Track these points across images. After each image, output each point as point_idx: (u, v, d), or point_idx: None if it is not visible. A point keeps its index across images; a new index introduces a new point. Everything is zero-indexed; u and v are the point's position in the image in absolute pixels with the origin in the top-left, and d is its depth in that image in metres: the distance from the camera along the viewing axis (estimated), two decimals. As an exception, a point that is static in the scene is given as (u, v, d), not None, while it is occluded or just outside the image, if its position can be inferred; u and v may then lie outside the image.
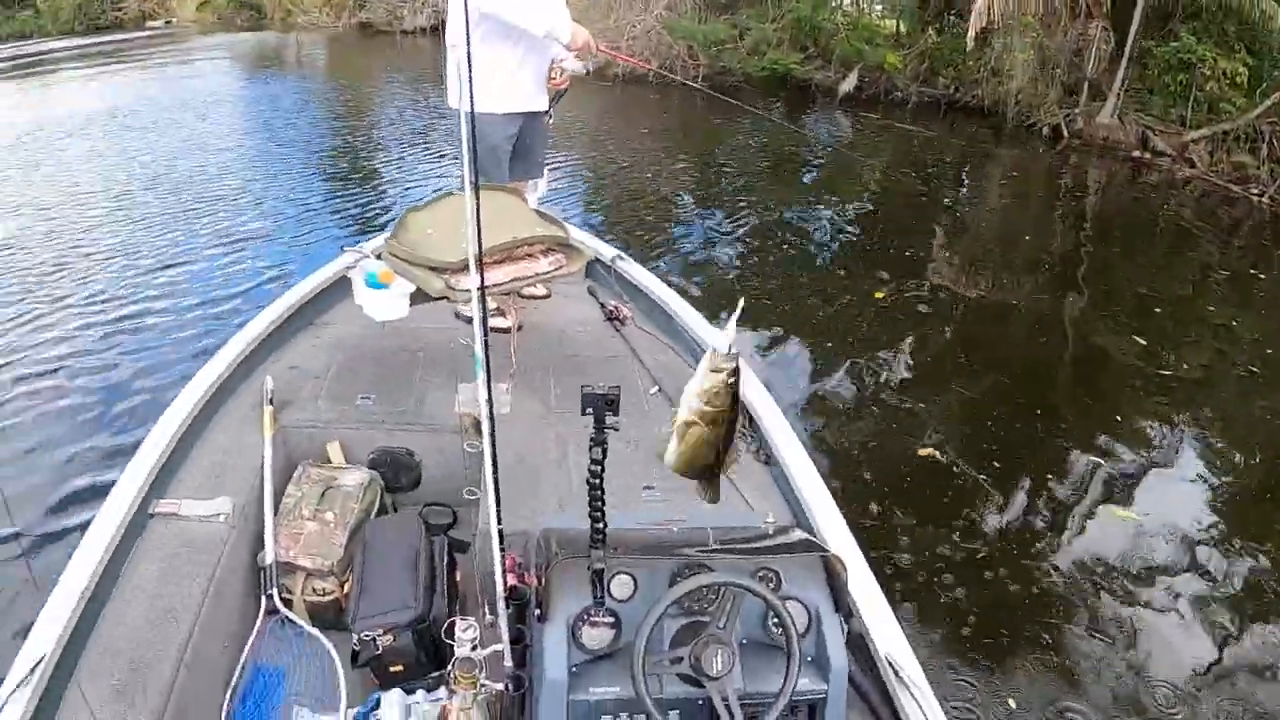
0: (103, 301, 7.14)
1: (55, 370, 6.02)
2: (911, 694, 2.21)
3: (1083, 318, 7.42)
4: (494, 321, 3.78)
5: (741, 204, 10.33)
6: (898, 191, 11.58)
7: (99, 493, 2.87)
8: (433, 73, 4.44)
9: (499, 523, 2.14)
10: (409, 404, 3.53)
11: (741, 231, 9.20)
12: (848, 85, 16.11)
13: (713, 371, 1.83)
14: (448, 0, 4.18)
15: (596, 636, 2.03)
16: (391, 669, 2.55)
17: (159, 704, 2.21)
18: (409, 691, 2.39)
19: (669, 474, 3.09)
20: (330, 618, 2.85)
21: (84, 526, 2.65)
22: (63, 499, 4.60)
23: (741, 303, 1.79)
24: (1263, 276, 8.48)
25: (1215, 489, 5.02)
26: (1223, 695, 3.61)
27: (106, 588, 2.48)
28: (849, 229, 9.67)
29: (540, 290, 4.48)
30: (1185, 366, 6.26)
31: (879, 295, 7.40)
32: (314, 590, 2.87)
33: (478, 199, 2.29)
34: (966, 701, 3.50)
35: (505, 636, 2.10)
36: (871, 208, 10.77)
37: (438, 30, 20.26)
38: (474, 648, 2.06)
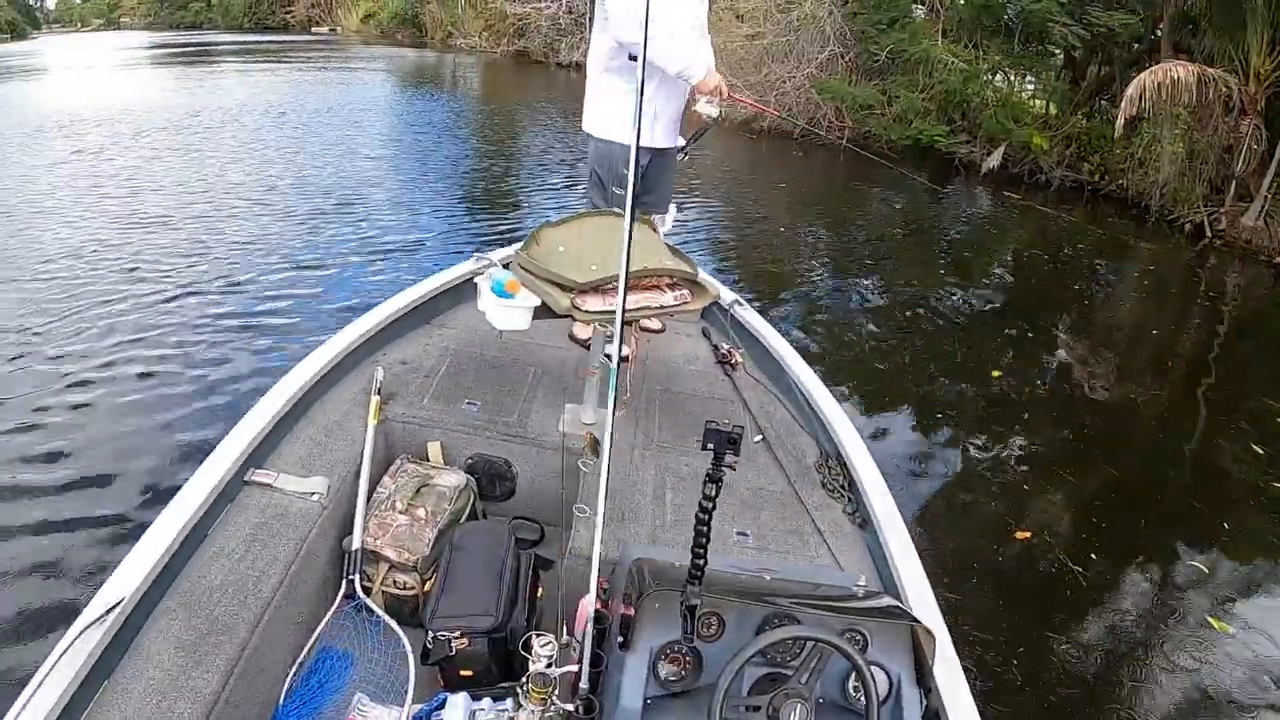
0: (228, 288, 7.68)
1: (173, 348, 6.49)
2: None
3: (1202, 423, 7.23)
4: (608, 348, 3.82)
5: (869, 266, 10.33)
6: (1030, 273, 11.43)
7: (199, 458, 2.91)
8: (581, 106, 4.61)
9: (600, 545, 2.17)
10: (513, 416, 3.56)
11: (864, 293, 9.22)
12: (992, 162, 15.94)
13: None
14: (593, 25, 4.31)
15: (676, 672, 2.03)
16: (461, 672, 2.58)
17: (225, 666, 2.25)
18: (475, 698, 2.41)
19: (762, 522, 3.17)
20: (406, 612, 2.89)
21: (180, 484, 2.70)
22: (166, 463, 4.98)
23: None
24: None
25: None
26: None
27: (192, 546, 2.54)
28: (976, 305, 9.58)
29: (656, 324, 4.54)
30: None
31: (996, 374, 7.35)
32: (394, 583, 2.91)
33: (631, 229, 2.34)
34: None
35: (586, 658, 2.08)
36: (1002, 287, 10.66)
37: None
38: (549, 664, 2.10)
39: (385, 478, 3.19)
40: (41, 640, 3.63)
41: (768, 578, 2.24)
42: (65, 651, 2.02)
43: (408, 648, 2.68)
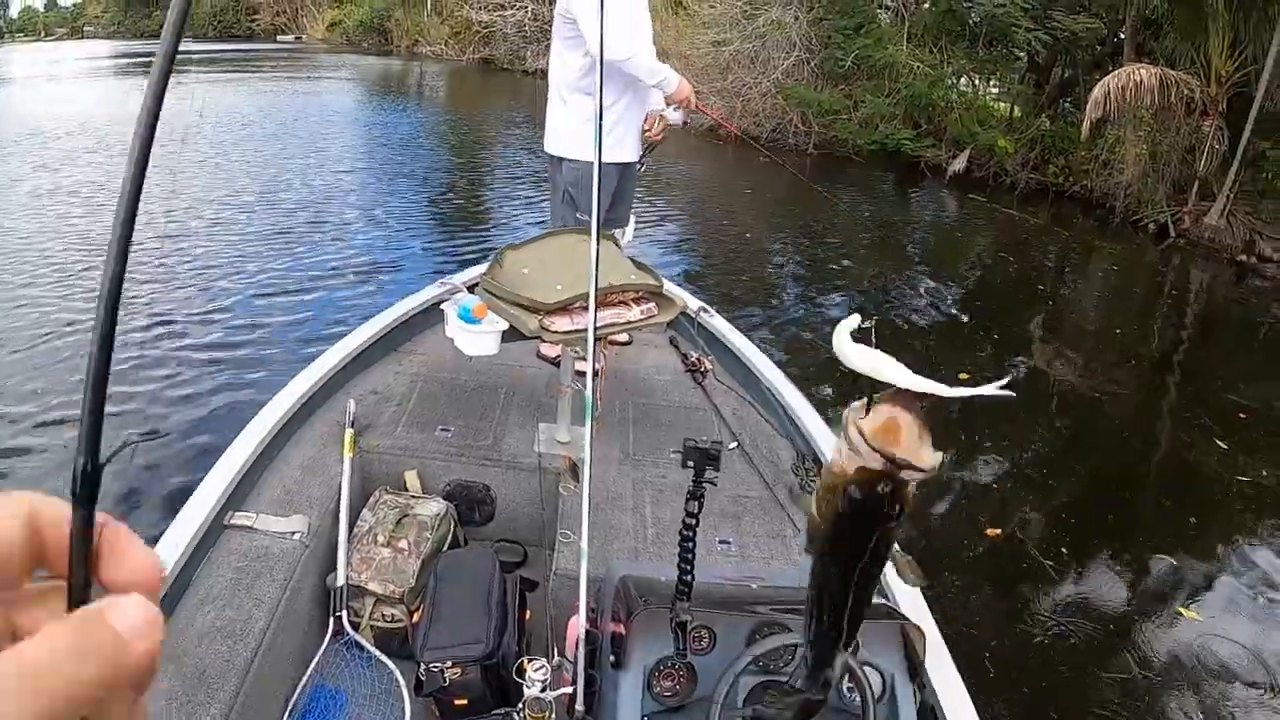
0: (194, 317, 7.45)
1: (136, 384, 6.17)
2: None
3: (1168, 418, 7.35)
4: (579, 365, 3.72)
5: (836, 270, 10.42)
6: (996, 275, 11.57)
7: (176, 502, 2.86)
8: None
9: (588, 566, 2.19)
10: (488, 440, 3.56)
11: (832, 298, 9.30)
12: (958, 165, 16.09)
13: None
14: (557, 43, 4.28)
15: (671, 688, 2.03)
16: (456, 702, 2.56)
17: (220, 715, 2.22)
18: (471, 726, 2.36)
19: (744, 529, 3.17)
20: (395, 645, 2.88)
21: (160, 533, 2.64)
22: (143, 510, 4.68)
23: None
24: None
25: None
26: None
27: (176, 595, 2.50)
28: (943, 307, 9.66)
29: (622, 337, 4.48)
30: (1264, 474, 6.19)
31: (964, 377, 7.41)
32: (382, 616, 2.91)
33: (598, 246, 2.35)
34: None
35: (581, 679, 2.07)
36: (969, 289, 10.76)
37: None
38: (544, 688, 2.09)
39: (365, 511, 3.17)
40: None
41: (754, 586, 2.27)
42: None
43: (401, 681, 2.67)
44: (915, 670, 2.12)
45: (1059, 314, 10.31)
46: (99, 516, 0.41)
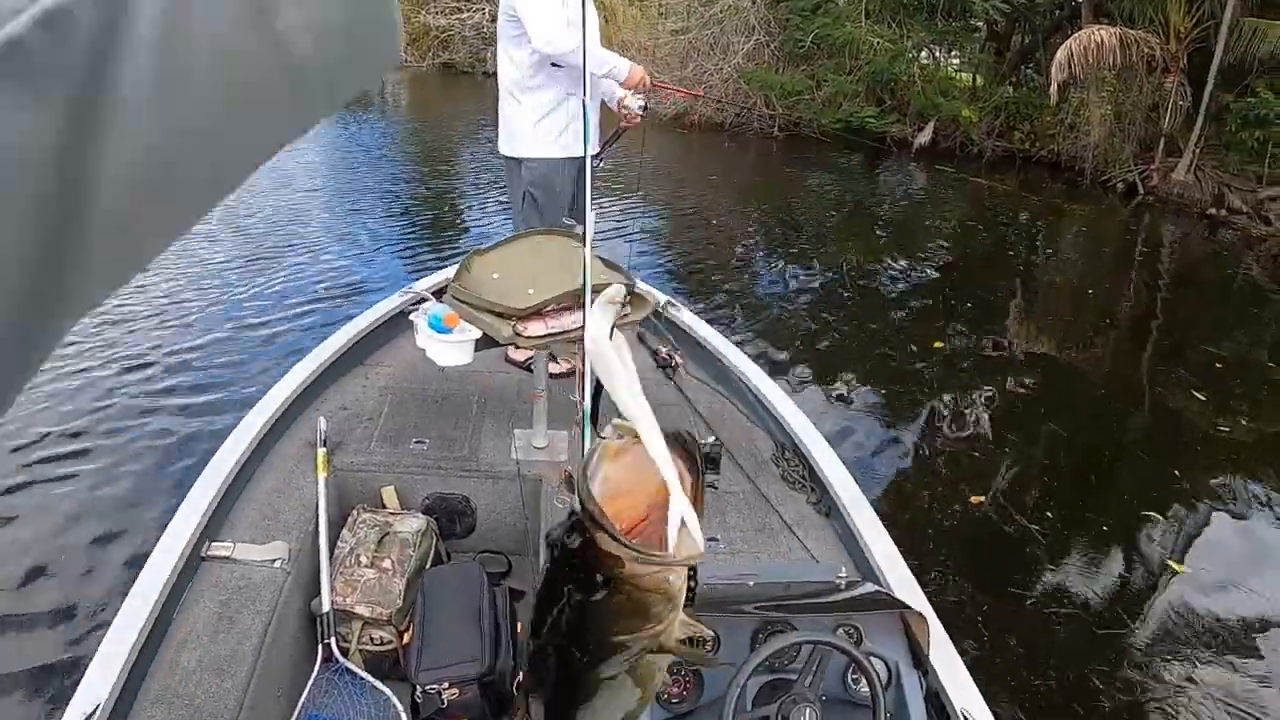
0: (162, 333, 7.22)
1: (101, 417, 5.87)
2: None
3: (1145, 374, 7.40)
4: (552, 367, 3.75)
5: (807, 251, 10.41)
6: (968, 244, 11.57)
7: (152, 535, 2.82)
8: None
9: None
10: (464, 450, 3.52)
11: (805, 279, 9.28)
12: (923, 138, 16.10)
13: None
14: (503, 43, 4.24)
15: (679, 694, 2.03)
16: None
17: None
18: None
19: (730, 525, 3.16)
20: (387, 668, 2.83)
21: (137, 569, 2.60)
22: (115, 541, 4.46)
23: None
24: (1335, 337, 8.35)
25: (1270, 548, 5.02)
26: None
27: (159, 634, 2.45)
28: (917, 280, 9.71)
29: None
30: (1244, 424, 6.23)
31: (939, 345, 7.43)
32: (371, 639, 2.86)
33: (586, 244, 2.41)
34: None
35: None
36: (941, 259, 10.76)
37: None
38: None
39: (344, 531, 3.12)
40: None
41: (750, 583, 2.25)
42: None
43: (397, 705, 2.62)
44: (920, 658, 2.14)
45: (1033, 278, 10.36)
46: None
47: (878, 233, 11.96)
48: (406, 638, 2.85)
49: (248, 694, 2.37)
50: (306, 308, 7.89)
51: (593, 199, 4.68)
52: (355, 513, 3.22)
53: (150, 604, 2.43)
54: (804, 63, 17.70)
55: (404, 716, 2.58)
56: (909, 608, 2.17)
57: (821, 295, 8.79)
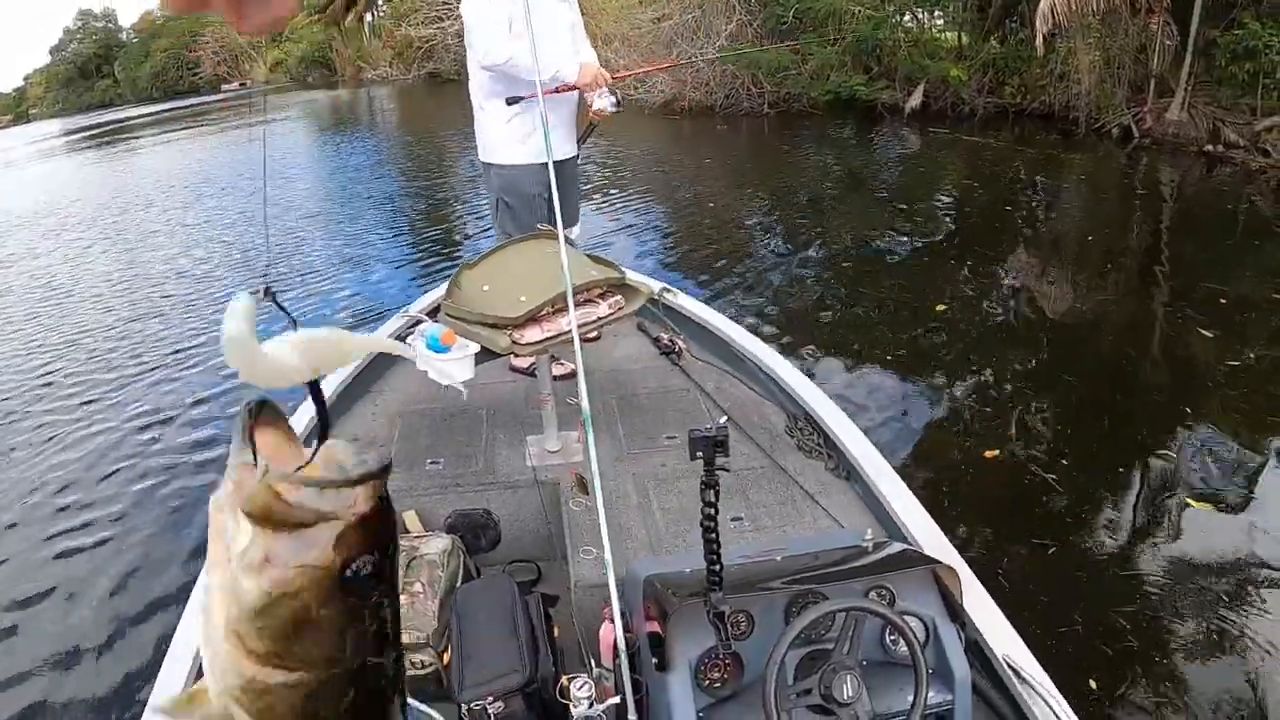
0: (179, 375, 7.35)
1: (122, 443, 6.08)
2: (1037, 693, 2.17)
3: (1152, 316, 7.30)
4: (556, 369, 3.77)
5: (806, 224, 10.41)
6: (967, 202, 11.52)
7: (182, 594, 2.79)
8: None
9: (614, 575, 2.15)
10: (479, 464, 3.53)
11: (806, 252, 9.27)
12: (914, 101, 16.08)
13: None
14: (467, 56, 4.25)
15: (720, 678, 2.01)
16: None
17: None
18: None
19: (753, 501, 3.16)
20: (431, 691, 2.77)
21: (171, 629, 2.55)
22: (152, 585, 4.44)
23: None
24: (1341, 263, 8.25)
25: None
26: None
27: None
28: (919, 243, 9.65)
29: (590, 333, 4.47)
30: (1252, 358, 6.15)
31: (941, 308, 7.38)
32: (412, 664, 2.82)
33: (561, 245, 2.40)
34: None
35: (628, 688, 2.04)
36: (942, 220, 10.72)
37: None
38: (591, 704, 2.06)
39: None
40: None
41: (779, 558, 2.25)
42: None
43: None
44: (955, 611, 2.12)
45: (1034, 230, 10.28)
46: None
47: (876, 199, 11.92)
48: (446, 658, 2.81)
49: None
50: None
51: (583, 196, 4.68)
52: None
53: (187, 669, 2.36)
54: (788, 38, 17.66)
55: None
56: (939, 562, 2.14)
57: (824, 266, 8.76)
